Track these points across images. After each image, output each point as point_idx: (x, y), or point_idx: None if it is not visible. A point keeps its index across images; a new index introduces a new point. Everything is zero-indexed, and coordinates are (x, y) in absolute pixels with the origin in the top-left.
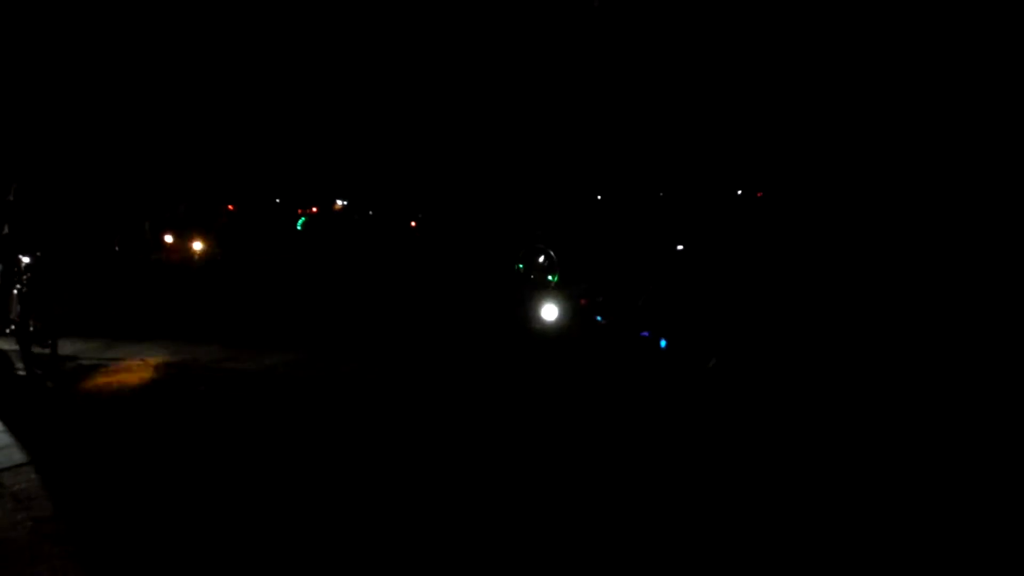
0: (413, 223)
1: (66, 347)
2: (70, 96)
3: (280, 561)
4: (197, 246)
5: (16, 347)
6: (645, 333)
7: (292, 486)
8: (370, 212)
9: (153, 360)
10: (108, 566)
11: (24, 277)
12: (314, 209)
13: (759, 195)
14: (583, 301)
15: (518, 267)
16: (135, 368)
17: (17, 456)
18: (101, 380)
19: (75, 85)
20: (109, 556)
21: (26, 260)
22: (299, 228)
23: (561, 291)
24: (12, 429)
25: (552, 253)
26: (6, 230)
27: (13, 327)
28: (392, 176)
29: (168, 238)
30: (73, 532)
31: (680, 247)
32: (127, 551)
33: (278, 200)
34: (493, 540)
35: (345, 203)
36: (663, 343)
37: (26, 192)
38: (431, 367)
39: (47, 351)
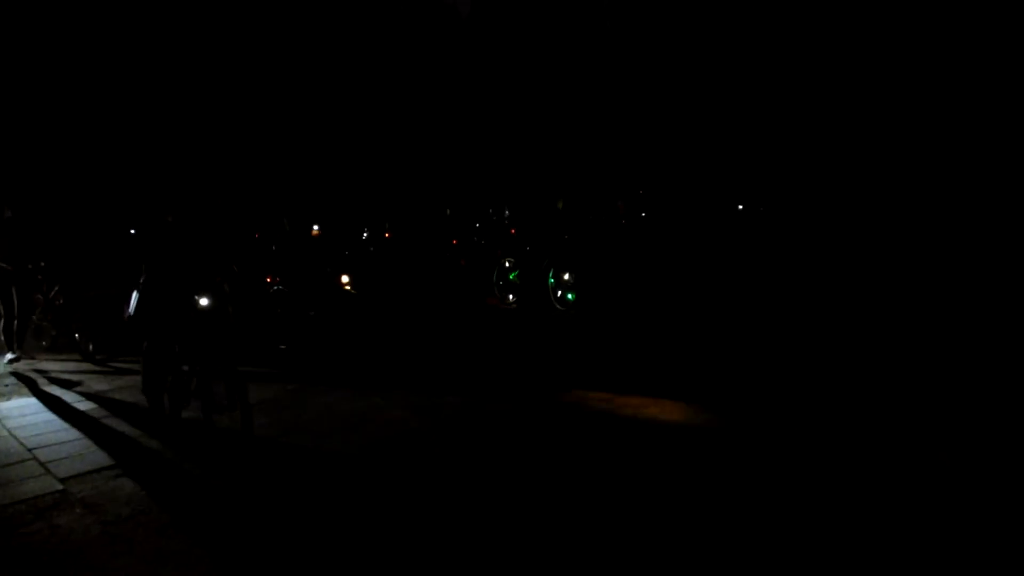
0: (454, 241)
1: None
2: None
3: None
4: None
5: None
6: None
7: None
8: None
9: None
10: (170, 564)
11: (203, 318)
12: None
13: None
14: None
15: (549, 281)
16: None
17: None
18: None
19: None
20: (170, 555)
21: (204, 301)
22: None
23: None
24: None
25: (573, 272)
26: (169, 257)
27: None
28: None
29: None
30: (139, 533)
31: None
32: (191, 552)
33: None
34: None
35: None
36: None
37: (188, 215)
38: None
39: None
